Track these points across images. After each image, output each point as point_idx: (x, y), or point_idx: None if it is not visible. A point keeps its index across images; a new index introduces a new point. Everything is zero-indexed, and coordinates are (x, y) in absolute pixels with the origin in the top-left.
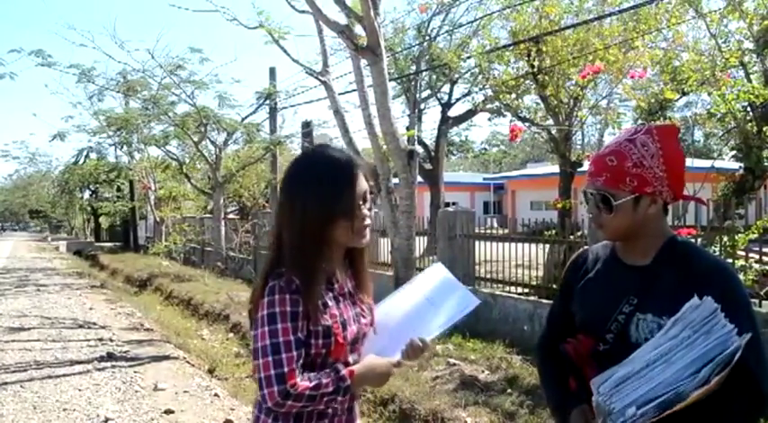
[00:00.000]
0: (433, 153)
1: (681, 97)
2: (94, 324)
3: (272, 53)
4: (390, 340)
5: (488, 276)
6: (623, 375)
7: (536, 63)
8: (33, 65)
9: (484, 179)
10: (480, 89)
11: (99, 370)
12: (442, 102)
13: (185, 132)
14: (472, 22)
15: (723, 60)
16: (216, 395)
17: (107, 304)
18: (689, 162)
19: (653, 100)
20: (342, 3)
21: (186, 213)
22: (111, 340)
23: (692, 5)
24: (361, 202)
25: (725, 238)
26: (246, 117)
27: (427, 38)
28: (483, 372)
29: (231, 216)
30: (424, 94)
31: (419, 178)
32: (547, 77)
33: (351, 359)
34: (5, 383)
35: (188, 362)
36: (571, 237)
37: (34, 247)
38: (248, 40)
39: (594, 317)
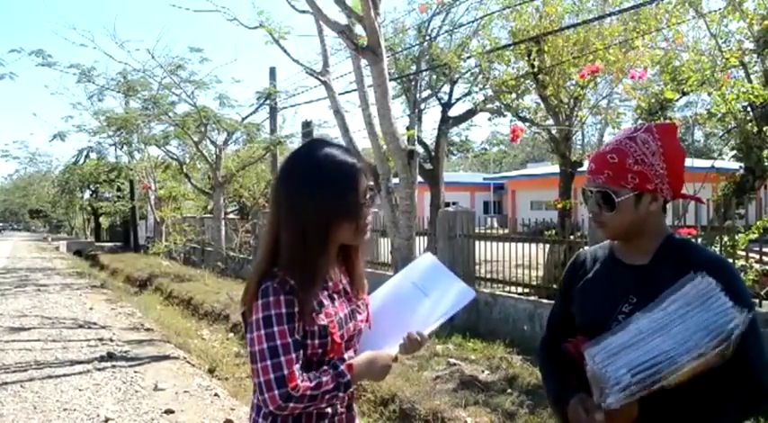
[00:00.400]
0: (433, 153)
1: (681, 97)
2: (95, 324)
3: (273, 53)
4: (387, 335)
5: (488, 276)
6: (618, 345)
7: (536, 63)
8: (33, 65)
9: (484, 179)
10: (480, 89)
11: (99, 370)
12: (442, 102)
13: (185, 132)
14: (472, 22)
15: (723, 60)
16: (216, 395)
17: (107, 304)
18: (689, 162)
19: (653, 100)
20: (342, 3)
21: (186, 213)
22: (112, 340)
23: (693, 5)
24: (363, 201)
25: (725, 238)
26: (247, 117)
27: (427, 38)
28: (483, 372)
29: (231, 216)
30: (425, 94)
31: (419, 178)
32: (547, 77)
33: (347, 356)
34: (6, 383)
35: (188, 362)
36: (571, 237)
37: (34, 246)
38: (248, 40)
39: (594, 317)
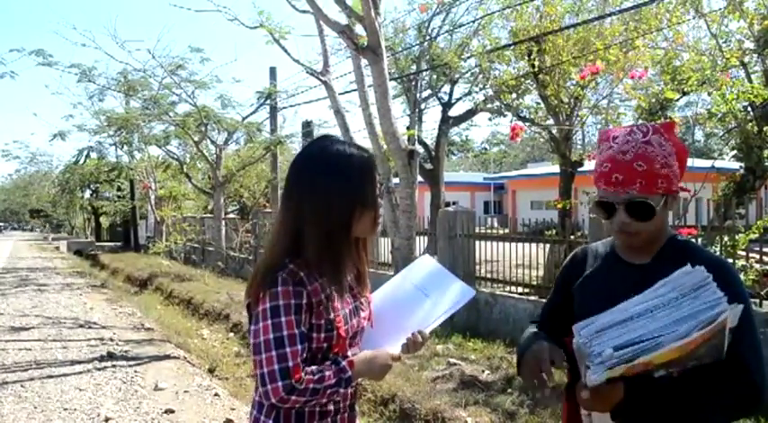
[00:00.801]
0: (433, 153)
1: (681, 97)
2: (95, 324)
3: (273, 53)
4: (388, 334)
5: (489, 276)
6: (606, 323)
7: (537, 63)
8: (34, 64)
9: (484, 179)
10: (481, 89)
11: (99, 370)
12: (443, 101)
13: (186, 132)
14: (473, 21)
15: (723, 60)
16: (216, 395)
17: (107, 304)
18: (689, 162)
19: (653, 100)
20: (342, 3)
21: (187, 213)
22: (112, 340)
23: (693, 5)
24: (378, 195)
25: (725, 238)
26: (247, 117)
27: (428, 38)
28: (483, 371)
29: (231, 216)
30: (425, 94)
31: (419, 178)
32: (547, 77)
33: (350, 353)
34: (6, 383)
35: (188, 361)
36: (571, 237)
37: (35, 246)
38: (249, 39)
39: (593, 314)
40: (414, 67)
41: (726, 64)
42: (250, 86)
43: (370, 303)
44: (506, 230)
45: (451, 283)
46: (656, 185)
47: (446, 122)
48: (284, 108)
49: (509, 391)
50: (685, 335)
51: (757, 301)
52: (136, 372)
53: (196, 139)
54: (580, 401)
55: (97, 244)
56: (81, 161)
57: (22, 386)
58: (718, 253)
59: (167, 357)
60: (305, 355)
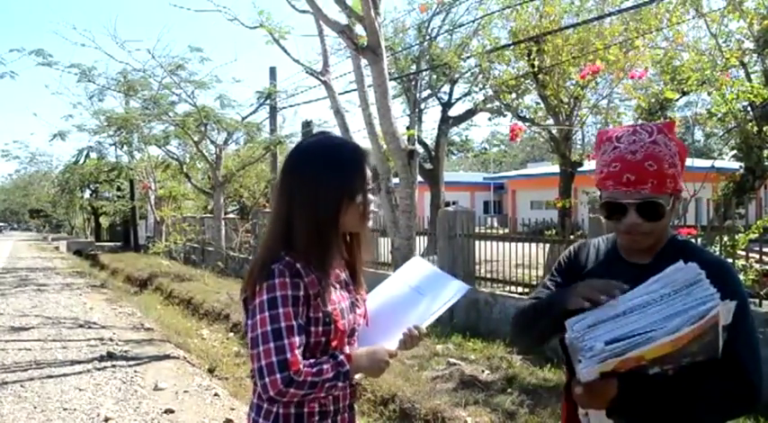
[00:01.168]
0: (433, 153)
1: (681, 97)
2: (95, 324)
3: (273, 53)
4: (384, 332)
5: (489, 276)
6: (598, 318)
7: (536, 63)
8: (34, 64)
9: (484, 179)
10: (480, 89)
11: (99, 370)
12: (443, 101)
13: (185, 132)
14: (472, 21)
15: (723, 60)
16: (216, 395)
17: (107, 304)
18: (689, 162)
19: (653, 100)
20: (342, 2)
21: (186, 213)
22: (112, 340)
23: (693, 5)
24: (368, 186)
25: (725, 238)
26: (247, 117)
27: (427, 37)
28: (483, 371)
29: (231, 216)
30: (425, 94)
31: (419, 178)
32: (547, 77)
33: (347, 350)
34: (6, 383)
35: (188, 361)
36: (571, 236)
37: (34, 246)
38: (248, 39)
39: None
40: (413, 66)
41: (725, 64)
42: (250, 86)
43: (365, 302)
44: (506, 230)
45: (445, 281)
46: (665, 185)
47: (446, 122)
48: (284, 108)
49: (509, 390)
50: (676, 330)
51: (757, 300)
52: (136, 372)
53: (196, 139)
54: (575, 398)
55: (97, 244)
56: (81, 161)
57: (21, 386)
58: (717, 253)
59: (167, 357)
60: (302, 347)
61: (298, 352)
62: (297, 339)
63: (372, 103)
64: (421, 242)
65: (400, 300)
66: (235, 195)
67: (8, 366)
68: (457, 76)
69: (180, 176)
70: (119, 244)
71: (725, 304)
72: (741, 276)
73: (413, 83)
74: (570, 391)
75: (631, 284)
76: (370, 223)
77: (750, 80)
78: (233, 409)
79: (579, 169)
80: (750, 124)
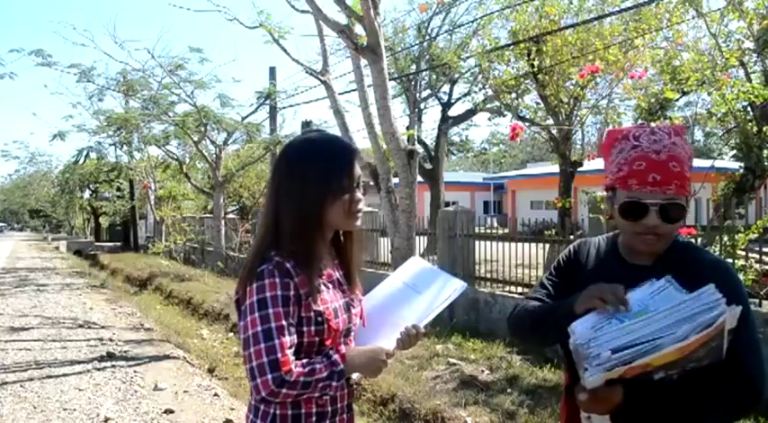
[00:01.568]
0: (433, 153)
1: (681, 97)
2: (95, 324)
3: (273, 53)
4: (381, 332)
5: (488, 276)
6: (603, 323)
7: (536, 63)
8: (33, 65)
9: (484, 179)
10: (480, 89)
11: (99, 370)
12: (442, 101)
13: (185, 132)
14: (472, 21)
15: (723, 60)
16: (216, 395)
17: (107, 304)
18: None
19: (653, 100)
20: (342, 2)
21: (186, 213)
22: (111, 340)
23: (693, 5)
24: (354, 183)
25: (725, 238)
26: (246, 117)
27: (427, 37)
28: (483, 371)
29: (231, 216)
30: (424, 94)
31: (419, 178)
32: (547, 77)
33: (343, 350)
34: (5, 383)
35: (188, 361)
36: (571, 236)
37: (34, 246)
38: (248, 39)
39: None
40: (413, 66)
41: (725, 64)
42: (250, 86)
43: (361, 302)
44: (506, 230)
45: (442, 279)
46: (685, 187)
47: (445, 122)
48: (284, 108)
49: (509, 391)
50: (684, 337)
51: (757, 301)
52: (135, 372)
53: (195, 138)
54: (579, 403)
55: (97, 244)
56: (80, 161)
57: (21, 386)
58: (717, 253)
59: (167, 357)
60: (294, 348)
61: (289, 352)
62: (288, 339)
63: (372, 102)
64: (421, 242)
65: (397, 299)
66: (235, 195)
67: (8, 366)
68: (457, 76)
69: (180, 176)
70: (118, 244)
71: (731, 309)
72: (741, 276)
73: (412, 83)
74: (570, 392)
75: (631, 287)
76: (370, 224)
77: (750, 80)
78: (233, 410)
79: (579, 169)
80: (750, 124)
